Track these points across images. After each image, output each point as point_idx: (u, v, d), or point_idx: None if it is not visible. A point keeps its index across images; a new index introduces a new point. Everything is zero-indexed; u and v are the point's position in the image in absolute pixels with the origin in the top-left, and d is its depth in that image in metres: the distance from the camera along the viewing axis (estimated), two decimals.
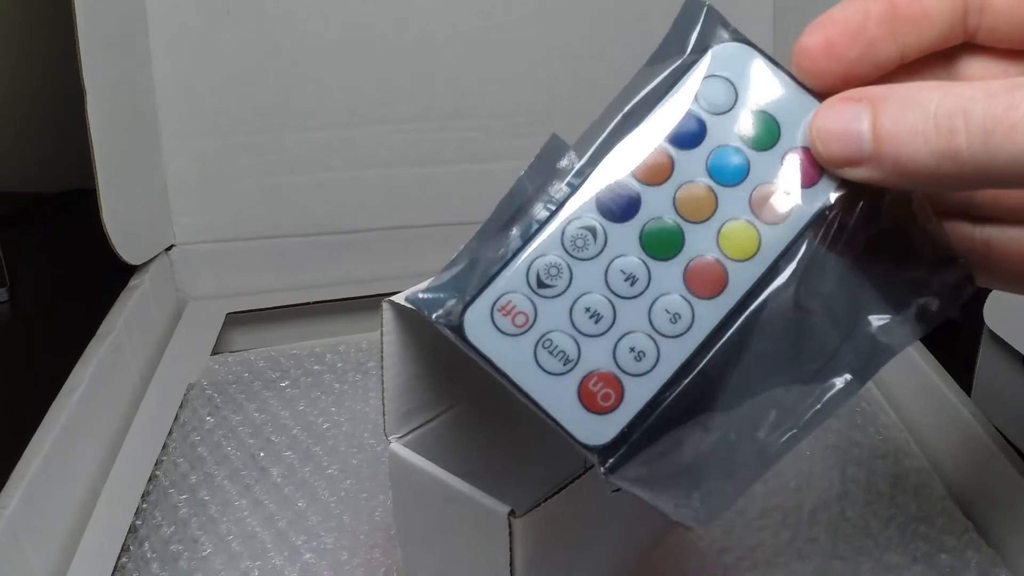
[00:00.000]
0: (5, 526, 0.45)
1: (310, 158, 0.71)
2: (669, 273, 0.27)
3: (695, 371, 0.27)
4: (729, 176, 0.27)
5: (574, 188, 0.28)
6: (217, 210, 0.72)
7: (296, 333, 0.70)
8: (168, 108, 0.70)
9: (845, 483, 0.49)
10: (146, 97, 0.69)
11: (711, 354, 0.27)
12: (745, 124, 0.28)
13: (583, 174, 0.28)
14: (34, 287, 0.90)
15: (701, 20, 0.29)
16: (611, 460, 0.26)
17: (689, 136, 0.28)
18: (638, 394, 0.26)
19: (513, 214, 0.28)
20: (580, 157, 0.28)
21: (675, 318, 0.27)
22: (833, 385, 0.27)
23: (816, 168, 0.27)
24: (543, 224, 0.27)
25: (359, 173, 0.71)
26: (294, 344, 0.63)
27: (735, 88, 0.28)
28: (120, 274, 0.88)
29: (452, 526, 0.36)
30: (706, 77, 0.28)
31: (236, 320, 0.69)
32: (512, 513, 0.32)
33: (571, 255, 0.27)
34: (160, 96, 0.69)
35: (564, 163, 0.28)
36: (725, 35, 0.28)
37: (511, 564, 0.33)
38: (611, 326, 0.27)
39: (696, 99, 0.28)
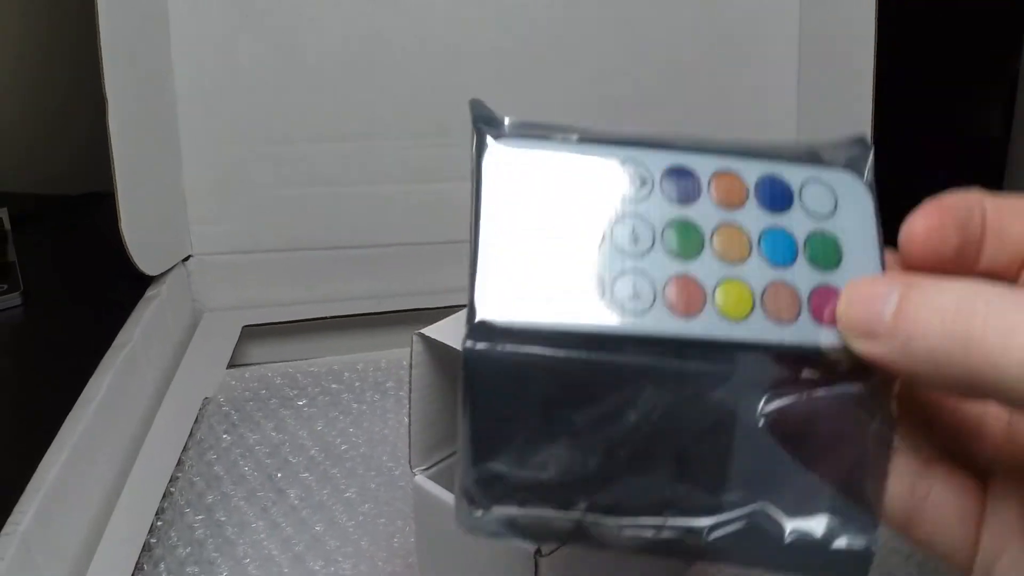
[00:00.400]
0: (19, 542, 0.44)
1: (330, 170, 0.71)
2: (662, 264, 0.27)
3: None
4: (773, 253, 0.27)
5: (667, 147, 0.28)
6: (235, 221, 0.71)
7: (313, 347, 0.70)
8: (188, 118, 0.69)
9: None
10: (167, 107, 0.68)
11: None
12: (818, 238, 0.27)
13: (678, 146, 0.28)
14: (48, 291, 0.90)
15: (859, 152, 0.29)
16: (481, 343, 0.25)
17: (775, 199, 0.28)
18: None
19: None
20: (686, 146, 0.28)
21: (636, 297, 0.26)
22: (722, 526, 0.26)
23: (831, 317, 0.26)
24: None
25: (379, 187, 0.71)
26: (311, 360, 0.63)
27: (836, 210, 0.28)
28: (136, 280, 0.87)
29: (476, 561, 0.36)
30: (826, 181, 0.28)
31: (252, 333, 0.69)
32: (539, 552, 0.32)
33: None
34: (181, 106, 0.69)
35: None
36: (865, 170, 0.28)
37: None
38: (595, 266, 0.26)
39: (803, 184, 0.28)
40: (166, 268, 0.69)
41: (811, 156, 0.28)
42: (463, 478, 0.26)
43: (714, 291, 0.26)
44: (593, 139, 0.28)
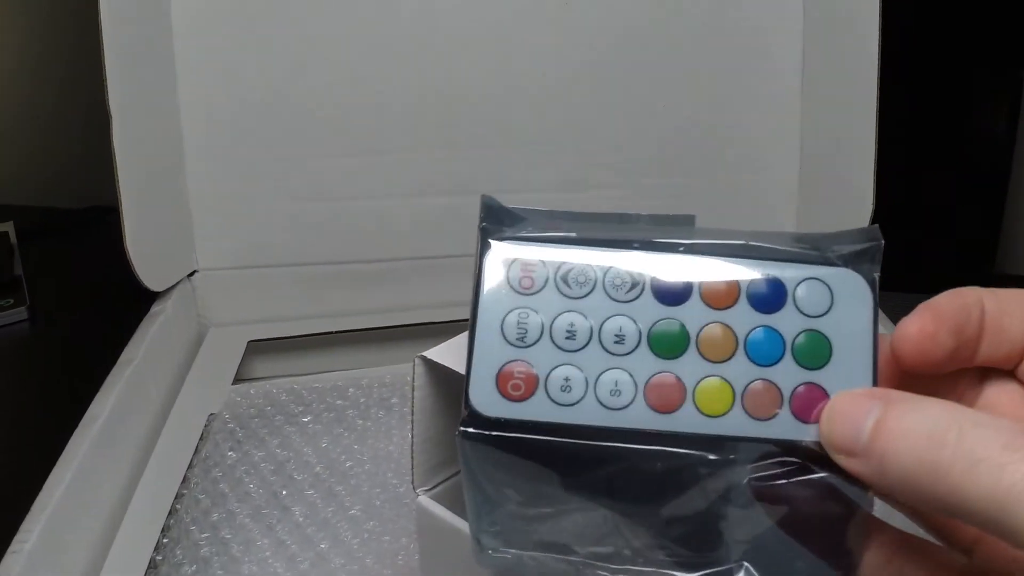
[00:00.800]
0: (25, 561, 0.44)
1: (336, 185, 0.70)
2: (644, 363, 0.28)
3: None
4: (758, 352, 0.28)
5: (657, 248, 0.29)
6: (241, 236, 0.71)
7: (318, 362, 0.69)
8: (192, 132, 0.69)
9: None
10: (171, 121, 0.68)
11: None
12: (807, 337, 0.28)
13: (676, 248, 0.29)
14: (53, 305, 0.90)
15: (868, 245, 0.29)
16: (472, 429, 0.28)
17: (767, 299, 0.29)
18: (544, 411, 0.28)
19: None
20: (683, 236, 0.30)
21: (616, 394, 0.28)
22: None
23: (816, 417, 0.27)
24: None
25: (384, 201, 0.71)
26: (316, 376, 0.63)
27: (831, 309, 0.28)
28: (141, 294, 0.87)
29: None
30: (824, 279, 0.29)
31: (257, 348, 0.69)
32: None
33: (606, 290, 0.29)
34: (185, 120, 0.69)
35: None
36: (871, 265, 0.29)
37: None
38: (574, 350, 0.28)
39: (800, 283, 0.29)
40: (171, 284, 0.69)
41: (814, 250, 0.29)
42: (472, 528, 0.29)
43: (694, 389, 0.28)
44: (590, 240, 0.29)
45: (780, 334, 0.28)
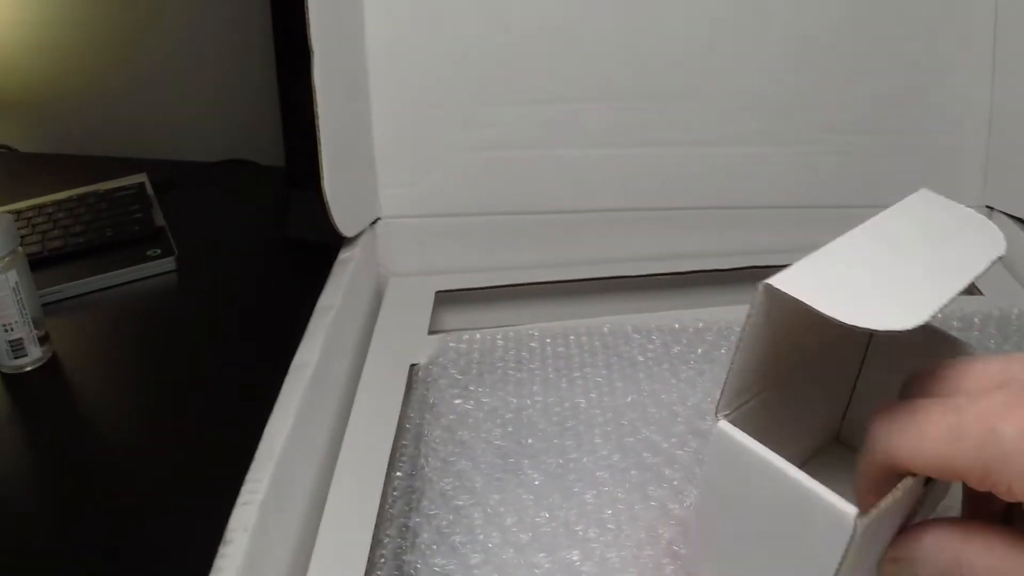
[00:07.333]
0: (259, 512, 0.42)
1: (527, 134, 0.67)
2: None
3: None
4: None
5: None
6: (426, 184, 0.69)
7: (505, 316, 0.67)
8: (380, 77, 0.67)
9: None
10: (359, 63, 0.66)
11: None
12: None
13: None
14: (199, 255, 0.88)
15: None
16: None
17: None
18: None
19: None
20: None
21: None
22: None
23: None
24: None
25: (575, 151, 0.68)
26: (530, 326, 0.60)
27: None
28: (291, 245, 0.86)
29: (776, 515, 0.34)
30: None
31: (443, 299, 0.66)
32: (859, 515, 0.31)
33: None
34: (372, 64, 0.66)
35: None
36: None
37: (841, 563, 0.31)
38: None
39: None
40: (360, 229, 0.67)
41: None
42: None
43: None
44: None
45: None
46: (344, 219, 0.64)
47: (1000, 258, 0.36)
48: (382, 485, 0.49)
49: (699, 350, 0.56)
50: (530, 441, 0.49)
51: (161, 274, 0.85)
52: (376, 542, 0.45)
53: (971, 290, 0.64)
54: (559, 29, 0.66)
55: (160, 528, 0.56)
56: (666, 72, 0.67)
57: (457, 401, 0.53)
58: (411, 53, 0.66)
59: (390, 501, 0.48)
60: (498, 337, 0.58)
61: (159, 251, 0.86)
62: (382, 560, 0.44)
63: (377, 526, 0.46)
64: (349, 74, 0.65)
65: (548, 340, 0.57)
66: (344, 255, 0.65)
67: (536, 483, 0.47)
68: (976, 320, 0.58)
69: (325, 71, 0.61)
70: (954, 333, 0.57)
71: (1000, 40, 0.67)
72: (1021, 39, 0.66)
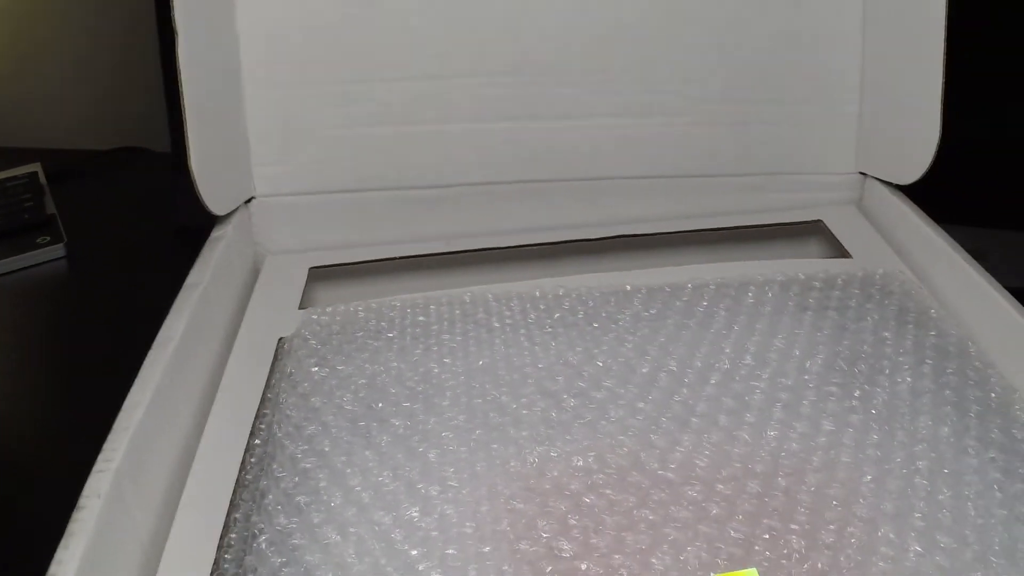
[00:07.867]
0: (112, 481, 0.43)
1: (398, 110, 0.68)
2: None
3: None
4: None
5: None
6: (299, 162, 0.69)
7: (379, 290, 0.67)
8: (252, 57, 0.67)
9: None
10: (230, 42, 0.66)
11: None
12: None
13: None
14: (88, 242, 0.88)
15: None
16: None
17: None
18: None
19: None
20: None
21: None
22: None
23: None
24: None
25: (449, 126, 0.69)
26: (392, 297, 0.61)
27: None
28: (178, 232, 0.86)
29: None
30: None
31: (317, 275, 0.67)
32: None
33: None
34: (244, 43, 0.67)
35: None
36: None
37: None
38: None
39: None
40: (232, 208, 0.67)
41: None
42: None
43: None
44: None
45: None
46: (214, 198, 0.65)
47: None
48: (242, 453, 0.49)
49: (556, 315, 0.57)
50: (380, 405, 0.50)
51: (50, 261, 0.85)
52: (232, 506, 0.46)
53: (841, 252, 0.66)
54: (428, 4, 0.67)
55: (23, 503, 0.56)
56: (531, 47, 0.68)
57: (314, 369, 0.54)
58: (283, 33, 0.67)
59: (247, 467, 0.48)
60: (360, 308, 0.59)
61: (48, 238, 0.86)
62: (235, 523, 0.45)
63: (235, 492, 0.47)
64: (219, 54, 0.65)
65: (408, 310, 0.59)
66: (216, 233, 0.65)
67: (382, 445, 0.48)
68: (840, 280, 0.60)
69: (190, 52, 0.61)
70: (815, 293, 0.59)
71: (870, 7, 0.69)
72: (891, 5, 0.68)
